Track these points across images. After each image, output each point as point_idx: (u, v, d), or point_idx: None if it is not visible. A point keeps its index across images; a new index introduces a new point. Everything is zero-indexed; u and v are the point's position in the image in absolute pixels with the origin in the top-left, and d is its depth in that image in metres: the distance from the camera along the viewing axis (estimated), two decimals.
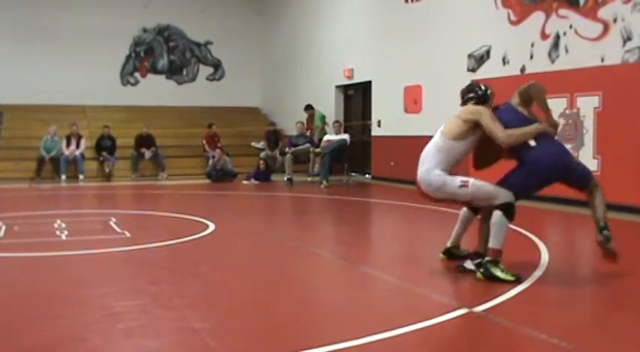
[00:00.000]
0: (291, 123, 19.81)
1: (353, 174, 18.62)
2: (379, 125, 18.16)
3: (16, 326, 4.92)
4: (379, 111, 18.18)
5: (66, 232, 9.30)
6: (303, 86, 22.12)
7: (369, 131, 18.81)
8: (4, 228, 9.58)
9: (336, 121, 18.60)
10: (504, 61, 13.51)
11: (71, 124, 19.88)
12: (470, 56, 14.44)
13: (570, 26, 12.06)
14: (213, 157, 19.20)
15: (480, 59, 14.18)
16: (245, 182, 18.06)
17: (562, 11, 12.24)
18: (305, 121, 19.60)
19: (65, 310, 5.34)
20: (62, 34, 23.10)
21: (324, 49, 20.84)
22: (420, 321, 4.82)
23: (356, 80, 19.34)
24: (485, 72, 13.87)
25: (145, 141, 20.26)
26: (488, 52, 13.96)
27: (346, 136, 17.71)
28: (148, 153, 20.06)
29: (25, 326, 4.91)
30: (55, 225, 9.87)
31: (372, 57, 18.33)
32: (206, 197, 15.57)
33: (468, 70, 14.43)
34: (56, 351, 4.37)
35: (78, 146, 19.55)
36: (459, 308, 5.18)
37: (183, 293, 5.88)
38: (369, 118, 18.85)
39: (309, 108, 19.92)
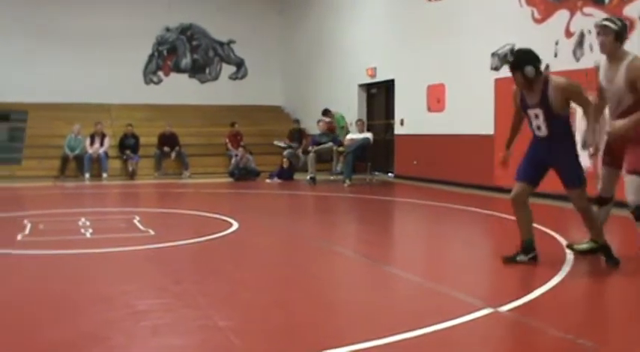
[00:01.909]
0: (313, 122, 19.80)
1: (376, 173, 18.59)
2: (402, 124, 18.12)
3: (40, 324, 4.94)
4: (402, 110, 18.13)
5: (90, 230, 9.34)
6: (326, 85, 22.11)
7: (392, 130, 18.77)
8: (29, 225, 9.64)
9: (359, 120, 18.57)
10: None
11: (95, 123, 19.99)
12: (494, 54, 14.36)
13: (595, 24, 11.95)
14: (236, 156, 19.22)
15: (503, 57, 14.09)
16: (268, 180, 18.07)
17: (587, 9, 12.15)
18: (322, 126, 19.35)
19: (89, 308, 5.36)
20: (86, 34, 23.22)
21: (347, 47, 20.81)
22: (443, 321, 4.79)
23: (379, 79, 19.30)
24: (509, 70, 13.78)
25: (168, 139, 20.32)
26: (512, 51, 13.88)
27: (369, 135, 17.69)
28: (172, 153, 20.11)
29: (50, 324, 4.93)
30: (80, 223, 9.92)
31: (394, 55, 18.29)
32: (229, 195, 15.60)
33: (492, 69, 14.36)
34: (80, 349, 4.38)
35: (102, 144, 19.65)
36: (483, 307, 5.14)
37: (207, 291, 5.89)
38: (392, 117, 18.81)
39: (326, 112, 19.66)
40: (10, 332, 4.73)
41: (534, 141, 6.70)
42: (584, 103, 6.46)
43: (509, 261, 6.61)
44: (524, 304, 5.30)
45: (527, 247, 6.65)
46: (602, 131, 6.78)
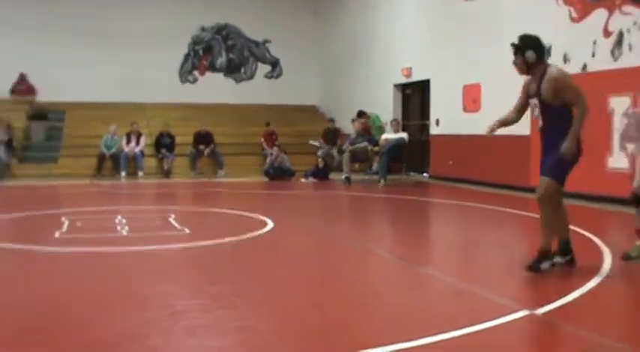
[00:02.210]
0: (348, 122, 19.78)
1: (411, 173, 18.54)
2: (437, 124, 18.04)
3: (77, 322, 4.98)
4: (437, 110, 18.06)
5: (126, 228, 9.42)
6: (361, 85, 22.07)
7: (427, 130, 18.70)
8: (67, 223, 9.74)
9: (394, 120, 18.53)
10: (565, 59, 13.29)
11: (131, 122, 20.14)
12: None
13: (635, 23, 11.82)
14: (271, 155, 19.26)
15: None
16: (303, 180, 18.09)
17: (626, 8, 12.01)
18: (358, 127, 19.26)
19: (126, 307, 5.40)
20: (122, 34, 23.40)
21: (382, 47, 20.77)
22: (478, 323, 4.76)
23: (414, 79, 19.23)
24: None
25: (203, 138, 20.43)
26: (548, 50, 13.74)
27: (404, 135, 17.64)
28: (206, 151, 20.22)
29: (87, 323, 4.97)
30: (116, 221, 10.01)
31: (430, 55, 18.21)
32: (264, 195, 15.64)
33: None
34: (117, 348, 4.40)
35: (138, 143, 19.80)
36: (519, 310, 5.10)
37: (243, 292, 5.90)
38: (428, 117, 18.73)
39: (361, 114, 19.52)
40: (48, 329, 4.78)
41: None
42: (572, 99, 6.25)
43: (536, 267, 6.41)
44: (561, 307, 5.25)
45: (563, 249, 6.56)
46: None
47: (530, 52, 6.41)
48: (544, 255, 6.35)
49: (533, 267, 6.30)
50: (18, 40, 22.24)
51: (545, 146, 6.51)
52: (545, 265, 6.33)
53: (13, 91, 22.82)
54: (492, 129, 6.78)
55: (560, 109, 6.32)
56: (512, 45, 6.60)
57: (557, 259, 6.52)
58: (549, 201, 6.37)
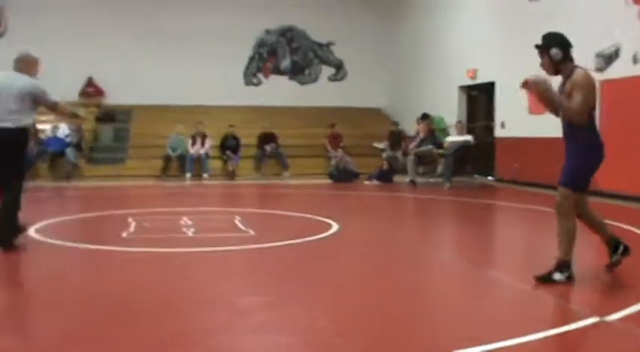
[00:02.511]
0: (413, 124, 19.69)
1: (476, 175, 18.37)
2: (503, 126, 17.84)
3: (145, 320, 5.05)
4: (503, 112, 17.85)
5: (192, 229, 9.49)
6: (426, 86, 21.94)
7: (493, 132, 18.49)
8: (134, 223, 9.86)
9: (459, 122, 18.39)
10: (635, 60, 13.03)
11: (196, 123, 20.33)
12: (598, 55, 13.98)
13: None
14: (336, 157, 19.27)
15: (608, 58, 13.72)
16: (367, 182, 18.05)
17: None
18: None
19: (194, 306, 5.45)
20: (188, 36, 23.63)
21: (448, 49, 20.62)
22: (547, 329, 4.70)
23: (479, 81, 19.04)
24: (615, 71, 13.43)
25: (267, 139, 20.54)
26: (617, 51, 13.51)
27: (470, 137, 17.49)
28: (268, 148, 20.33)
29: (155, 320, 5.03)
30: (182, 222, 10.09)
31: (496, 57, 18.01)
32: (329, 197, 15.65)
33: (596, 70, 13.98)
34: (184, 346, 4.45)
35: (203, 145, 19.98)
36: (590, 316, 5.00)
37: (309, 292, 5.91)
38: (493, 119, 18.53)
39: (425, 117, 19.35)
40: (117, 327, 4.84)
41: None
42: (575, 100, 6.03)
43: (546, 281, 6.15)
44: (634, 313, 5.12)
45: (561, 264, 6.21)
46: None
47: (555, 49, 6.23)
48: (562, 266, 6.08)
49: (542, 278, 6.09)
50: (86, 44, 22.62)
51: (565, 154, 6.26)
52: (558, 276, 6.05)
53: (82, 94, 23.23)
54: (528, 82, 6.34)
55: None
56: (537, 46, 6.40)
57: (557, 276, 6.16)
58: (566, 211, 6.13)
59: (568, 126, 6.18)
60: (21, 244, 7.93)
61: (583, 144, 6.11)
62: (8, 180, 7.82)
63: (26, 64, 8.06)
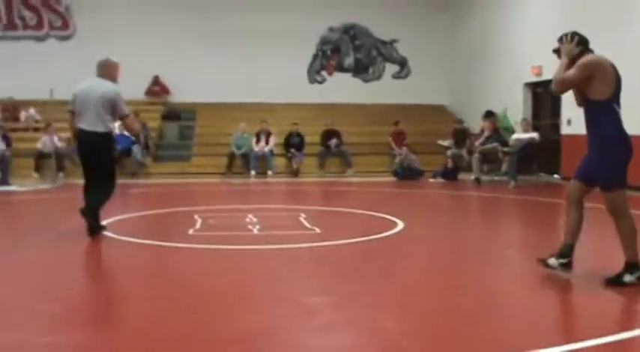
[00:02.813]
0: (477, 122, 19.49)
1: (541, 173, 18.09)
2: (569, 123, 17.51)
3: (214, 317, 5.06)
4: (569, 109, 17.51)
5: (258, 227, 9.51)
6: (490, 83, 21.69)
7: (559, 130, 18.18)
8: (200, 220, 9.93)
9: (524, 119, 18.13)
10: None
11: (261, 122, 20.44)
12: None
13: None
14: (400, 155, 19.19)
15: None
16: (432, 180, 17.92)
17: None
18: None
19: (260, 304, 5.45)
20: (252, 34, 23.75)
21: (513, 45, 20.34)
22: (621, 331, 4.57)
23: (545, 77, 18.73)
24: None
25: (331, 137, 20.54)
26: None
27: (535, 135, 17.22)
28: (332, 143, 20.34)
29: (224, 318, 5.04)
30: (247, 220, 10.12)
31: None
32: (393, 195, 15.57)
33: None
34: (253, 343, 4.45)
35: (267, 143, 20.07)
36: None
37: (375, 292, 5.86)
38: (559, 116, 18.22)
39: (489, 114, 19.12)
40: (185, 324, 4.85)
41: None
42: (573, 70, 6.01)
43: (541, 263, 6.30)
44: None
45: (562, 252, 6.28)
46: None
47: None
48: (631, 267, 5.93)
49: (611, 281, 5.94)
50: (152, 44, 22.89)
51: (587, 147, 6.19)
52: (628, 278, 5.88)
53: (148, 92, 23.53)
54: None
55: (594, 103, 6.03)
56: (555, 51, 6.36)
57: (552, 261, 6.27)
58: (619, 213, 6.03)
59: (589, 116, 6.14)
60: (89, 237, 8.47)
61: (604, 136, 6.02)
62: (99, 179, 8.54)
63: (107, 69, 8.72)
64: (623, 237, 6.01)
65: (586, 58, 6.04)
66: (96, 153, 8.49)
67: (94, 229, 8.46)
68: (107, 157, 8.66)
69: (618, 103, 6.07)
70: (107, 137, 8.53)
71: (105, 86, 8.51)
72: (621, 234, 6.02)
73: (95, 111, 8.36)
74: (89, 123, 8.40)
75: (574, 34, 6.28)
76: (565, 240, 6.31)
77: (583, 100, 6.12)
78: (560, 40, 6.30)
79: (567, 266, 6.25)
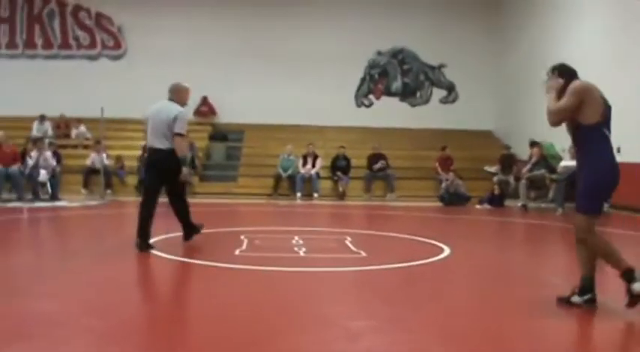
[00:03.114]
0: (524, 148, 19.34)
1: None
2: (619, 151, 17.23)
3: (260, 339, 5.05)
4: (619, 136, 17.18)
5: (304, 249, 9.51)
6: (538, 109, 21.41)
7: None
8: (246, 241, 9.98)
9: (572, 147, 17.94)
10: None
11: (308, 144, 20.52)
12: None
13: None
14: (447, 180, 19.12)
15: None
16: (478, 206, 17.83)
17: None
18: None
19: (305, 326, 5.45)
20: (300, 57, 23.96)
21: None
22: None
23: None
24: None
25: (377, 160, 20.54)
26: None
27: None
28: (378, 165, 20.35)
29: (270, 340, 5.04)
30: (293, 242, 10.13)
31: (609, 79, 17.50)
32: (439, 220, 15.50)
33: None
34: None
35: (314, 165, 20.13)
36: None
37: (420, 316, 5.83)
38: None
39: (533, 144, 18.96)
40: (230, 346, 4.87)
41: None
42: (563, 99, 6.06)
43: (563, 301, 6.20)
44: None
45: (583, 286, 6.18)
46: None
47: (558, 79, 6.34)
48: (629, 275, 5.95)
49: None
50: (201, 64, 23.14)
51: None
52: (638, 286, 5.86)
53: (196, 113, 23.75)
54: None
55: (583, 127, 6.08)
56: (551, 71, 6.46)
57: (575, 299, 6.15)
58: (586, 240, 6.10)
59: (577, 139, 6.20)
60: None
61: (591, 160, 6.08)
62: (173, 191, 9.54)
63: (177, 93, 9.39)
64: (605, 259, 6.14)
65: (574, 84, 6.10)
66: (163, 170, 9.21)
67: (189, 236, 9.77)
68: (172, 174, 9.23)
69: (609, 128, 6.15)
70: (172, 154, 9.05)
71: (173, 108, 9.11)
72: (601, 257, 6.16)
73: (162, 131, 9.02)
74: (156, 142, 9.13)
75: (554, 68, 6.42)
76: (583, 273, 6.24)
77: (573, 126, 6.17)
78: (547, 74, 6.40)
79: (592, 302, 6.15)
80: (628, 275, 5.92)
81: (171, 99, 9.32)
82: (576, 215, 6.14)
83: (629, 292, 5.88)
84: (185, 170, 9.29)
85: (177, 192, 9.58)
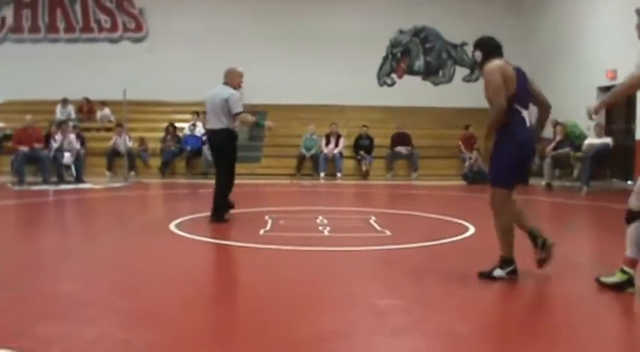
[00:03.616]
0: (549, 126, 19.21)
1: (614, 179, 17.74)
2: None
3: (287, 318, 5.06)
4: None
5: (328, 228, 9.49)
6: (562, 87, 21.26)
7: (633, 135, 17.80)
8: (270, 221, 9.98)
9: (597, 124, 17.80)
10: None
11: (331, 124, 20.49)
12: None
13: None
14: (470, 159, 19.03)
15: None
16: None
17: None
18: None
19: (332, 305, 5.44)
20: (322, 37, 23.85)
21: (585, 48, 20.00)
22: None
23: (619, 81, 18.36)
24: None
25: (401, 140, 20.49)
26: None
27: (608, 140, 16.90)
28: (404, 150, 20.28)
29: (296, 319, 5.04)
30: (317, 221, 10.12)
31: (636, 56, 17.32)
32: (463, 198, 15.44)
33: None
34: (324, 345, 4.43)
35: (337, 145, 20.10)
36: None
37: (447, 295, 5.80)
38: (633, 121, 17.84)
39: (556, 124, 18.74)
40: (256, 324, 4.87)
41: None
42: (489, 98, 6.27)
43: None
44: None
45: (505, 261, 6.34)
46: None
47: (477, 51, 6.52)
48: (505, 262, 6.31)
49: (482, 274, 6.31)
50: (222, 46, 23.09)
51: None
52: (499, 272, 6.25)
53: None
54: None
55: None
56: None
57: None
58: (499, 211, 6.34)
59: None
60: (229, 217, 10.12)
61: (503, 136, 6.26)
62: (220, 170, 10.27)
63: (231, 77, 10.18)
64: (499, 233, 6.38)
65: (487, 68, 6.33)
66: (218, 148, 10.17)
67: (218, 216, 10.00)
68: (227, 151, 10.12)
69: (522, 104, 6.43)
70: (226, 133, 9.90)
71: (225, 92, 9.86)
72: (497, 230, 6.40)
73: (217, 113, 9.86)
74: (212, 123, 10.05)
75: (473, 48, 6.60)
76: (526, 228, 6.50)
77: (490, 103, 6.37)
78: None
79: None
80: (505, 261, 6.33)
81: (225, 83, 10.05)
82: (491, 189, 6.41)
83: (490, 272, 6.24)
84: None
85: (230, 168, 10.32)
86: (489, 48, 6.44)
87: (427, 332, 4.77)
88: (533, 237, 6.40)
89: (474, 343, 4.48)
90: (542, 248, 6.34)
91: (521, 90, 6.29)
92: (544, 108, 6.69)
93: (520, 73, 6.33)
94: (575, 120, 18.94)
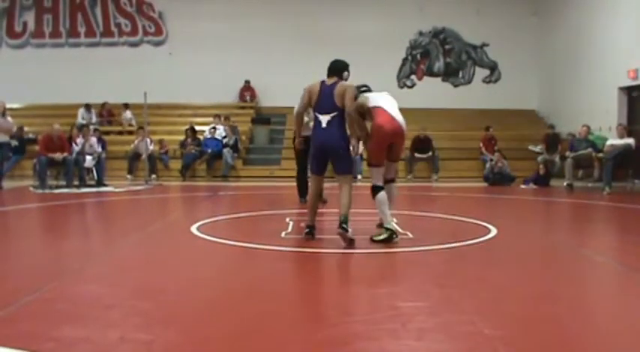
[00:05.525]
0: (569, 127, 19.12)
1: (637, 181, 17.63)
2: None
3: (309, 321, 5.06)
4: None
5: (350, 230, 9.45)
6: (583, 88, 21.26)
7: None
8: (291, 223, 9.99)
9: (620, 125, 17.70)
10: None
11: None
12: None
13: None
14: (491, 160, 18.97)
15: None
16: (523, 186, 17.68)
17: None
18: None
19: (356, 308, 5.43)
20: (342, 39, 23.83)
21: (607, 48, 19.90)
22: None
23: None
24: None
25: (421, 143, 20.43)
26: None
27: (631, 141, 16.80)
28: (424, 156, 20.25)
29: (318, 321, 5.03)
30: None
31: None
32: (484, 200, 15.39)
33: None
34: (347, 348, 4.41)
35: None
36: None
37: (471, 297, 5.76)
38: None
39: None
40: (278, 326, 4.86)
41: None
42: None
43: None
44: None
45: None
46: None
47: (346, 72, 9.47)
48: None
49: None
50: (243, 49, 23.21)
51: None
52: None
53: (239, 96, 23.82)
54: None
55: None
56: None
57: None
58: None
59: None
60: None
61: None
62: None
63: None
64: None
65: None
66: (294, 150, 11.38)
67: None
68: (297, 151, 11.62)
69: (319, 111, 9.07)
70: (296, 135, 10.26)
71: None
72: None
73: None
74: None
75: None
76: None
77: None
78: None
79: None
80: (309, 229, 8.64)
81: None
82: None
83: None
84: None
85: (303, 168, 11.96)
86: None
87: (451, 334, 4.74)
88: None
89: (498, 344, 4.44)
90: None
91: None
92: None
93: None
94: (600, 133, 18.76)
